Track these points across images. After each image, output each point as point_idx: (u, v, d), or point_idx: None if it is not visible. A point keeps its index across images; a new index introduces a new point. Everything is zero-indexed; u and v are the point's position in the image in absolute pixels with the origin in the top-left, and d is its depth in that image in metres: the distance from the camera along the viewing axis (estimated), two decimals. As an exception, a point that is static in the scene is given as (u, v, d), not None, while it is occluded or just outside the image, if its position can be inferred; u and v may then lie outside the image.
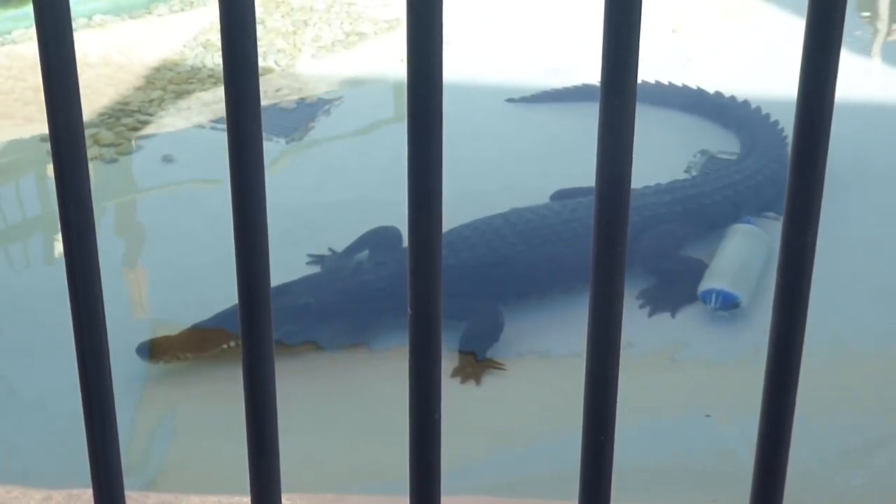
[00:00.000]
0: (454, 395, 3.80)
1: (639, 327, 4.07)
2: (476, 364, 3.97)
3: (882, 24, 6.79)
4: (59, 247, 4.72)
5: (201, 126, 5.57)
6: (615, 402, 1.37)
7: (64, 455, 3.44)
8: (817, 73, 1.22)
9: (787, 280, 1.31)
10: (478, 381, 3.93)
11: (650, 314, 4.24)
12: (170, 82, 5.95)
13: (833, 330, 3.98)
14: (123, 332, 3.80)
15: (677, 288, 4.33)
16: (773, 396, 1.36)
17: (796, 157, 1.26)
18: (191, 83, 5.95)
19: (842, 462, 3.52)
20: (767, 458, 1.40)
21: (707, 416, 3.72)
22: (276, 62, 6.17)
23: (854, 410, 3.74)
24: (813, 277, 1.33)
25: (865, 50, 6.37)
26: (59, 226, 1.35)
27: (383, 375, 3.93)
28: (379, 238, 4.53)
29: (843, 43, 1.24)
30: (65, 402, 3.62)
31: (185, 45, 6.36)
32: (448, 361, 3.91)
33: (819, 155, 1.25)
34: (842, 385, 3.82)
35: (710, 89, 5.62)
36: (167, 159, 5.28)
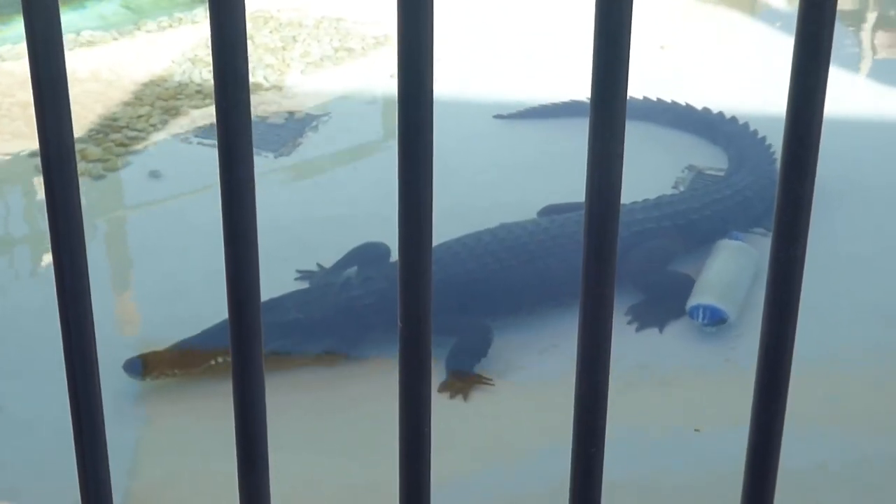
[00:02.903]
0: (442, 410, 3.79)
1: (626, 342, 4.07)
2: (464, 379, 3.97)
3: (868, 41, 6.82)
4: (46, 263, 4.71)
5: (189, 141, 5.57)
6: (605, 416, 1.37)
7: (52, 472, 3.43)
8: (806, 86, 1.23)
9: (776, 293, 1.31)
10: (465, 397, 3.92)
11: (638, 329, 4.24)
12: (158, 98, 5.95)
13: (821, 345, 3.99)
14: (111, 349, 3.79)
15: (665, 303, 4.33)
16: (762, 410, 1.36)
17: (785, 170, 1.26)
18: (179, 99, 5.95)
19: (827, 478, 3.53)
20: (757, 472, 1.40)
21: (696, 430, 3.72)
22: (264, 77, 6.17)
23: (841, 426, 3.74)
24: (802, 292, 1.34)
25: (853, 66, 6.39)
26: (49, 242, 1.35)
27: (371, 391, 3.92)
28: (367, 254, 4.53)
29: (831, 56, 1.25)
30: (53, 420, 3.61)
31: (173, 61, 6.36)
32: (435, 377, 3.91)
33: (808, 168, 1.25)
34: (829, 400, 3.83)
35: (699, 105, 5.64)
36: (154, 175, 5.28)
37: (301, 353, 4.06)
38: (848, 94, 5.84)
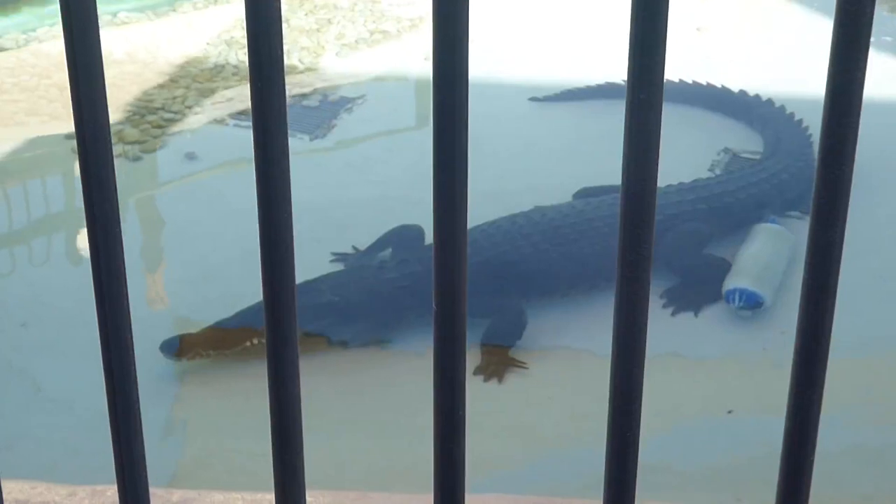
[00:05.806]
0: (476, 393, 3.80)
1: (662, 326, 4.06)
2: (499, 362, 3.97)
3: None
4: (83, 244, 4.74)
5: (224, 123, 5.59)
6: (640, 399, 1.37)
7: (88, 451, 3.46)
8: (846, 68, 1.21)
9: (813, 277, 1.30)
10: (500, 380, 3.92)
11: (673, 313, 4.23)
12: (194, 80, 5.96)
13: (858, 329, 3.96)
14: (147, 329, 3.81)
15: (701, 287, 4.31)
16: (799, 394, 1.35)
17: (824, 153, 1.25)
18: (214, 81, 5.97)
19: (867, 462, 3.51)
20: (793, 457, 1.39)
21: (729, 412, 3.71)
22: (299, 60, 6.18)
23: (877, 410, 3.72)
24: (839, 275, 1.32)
25: (891, 49, 6.33)
26: (85, 223, 1.35)
27: (405, 373, 3.93)
28: (402, 236, 4.53)
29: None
30: (89, 399, 3.64)
31: (208, 43, 6.37)
32: (470, 359, 3.91)
33: (847, 151, 1.24)
34: (867, 384, 3.81)
35: (735, 88, 5.60)
36: (190, 156, 5.30)
37: (335, 338, 4.07)
38: (886, 78, 5.79)
